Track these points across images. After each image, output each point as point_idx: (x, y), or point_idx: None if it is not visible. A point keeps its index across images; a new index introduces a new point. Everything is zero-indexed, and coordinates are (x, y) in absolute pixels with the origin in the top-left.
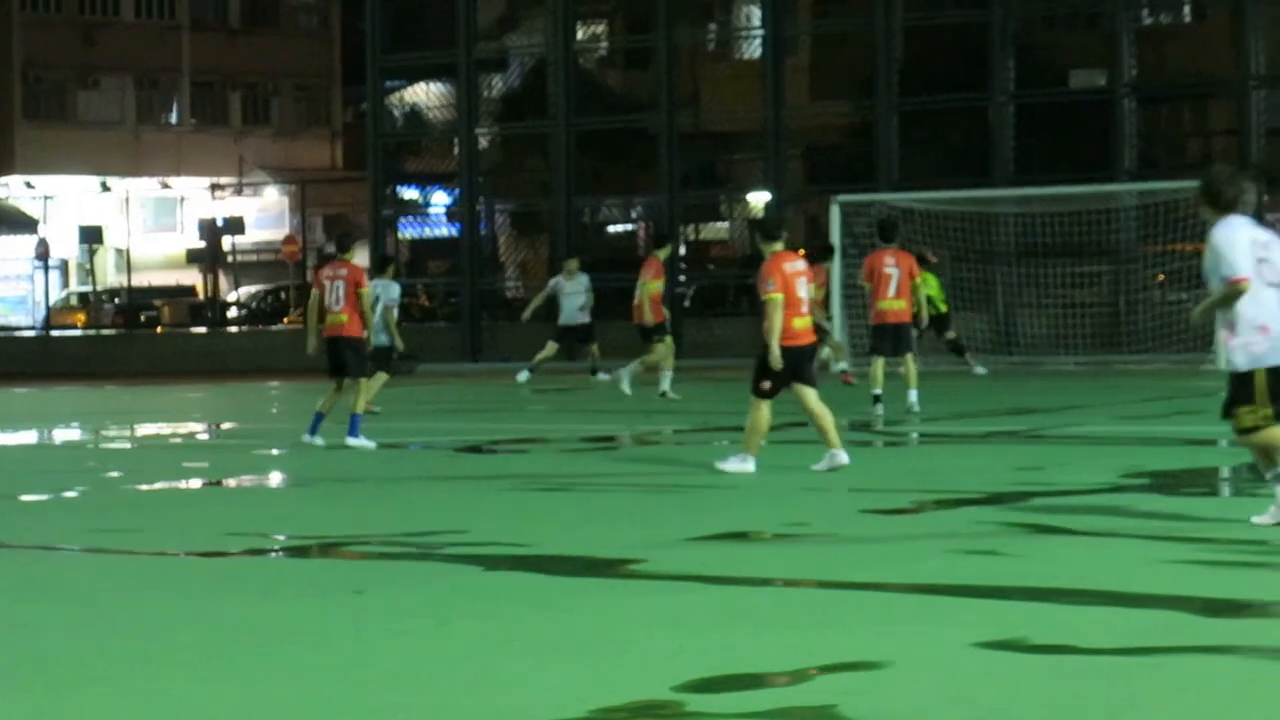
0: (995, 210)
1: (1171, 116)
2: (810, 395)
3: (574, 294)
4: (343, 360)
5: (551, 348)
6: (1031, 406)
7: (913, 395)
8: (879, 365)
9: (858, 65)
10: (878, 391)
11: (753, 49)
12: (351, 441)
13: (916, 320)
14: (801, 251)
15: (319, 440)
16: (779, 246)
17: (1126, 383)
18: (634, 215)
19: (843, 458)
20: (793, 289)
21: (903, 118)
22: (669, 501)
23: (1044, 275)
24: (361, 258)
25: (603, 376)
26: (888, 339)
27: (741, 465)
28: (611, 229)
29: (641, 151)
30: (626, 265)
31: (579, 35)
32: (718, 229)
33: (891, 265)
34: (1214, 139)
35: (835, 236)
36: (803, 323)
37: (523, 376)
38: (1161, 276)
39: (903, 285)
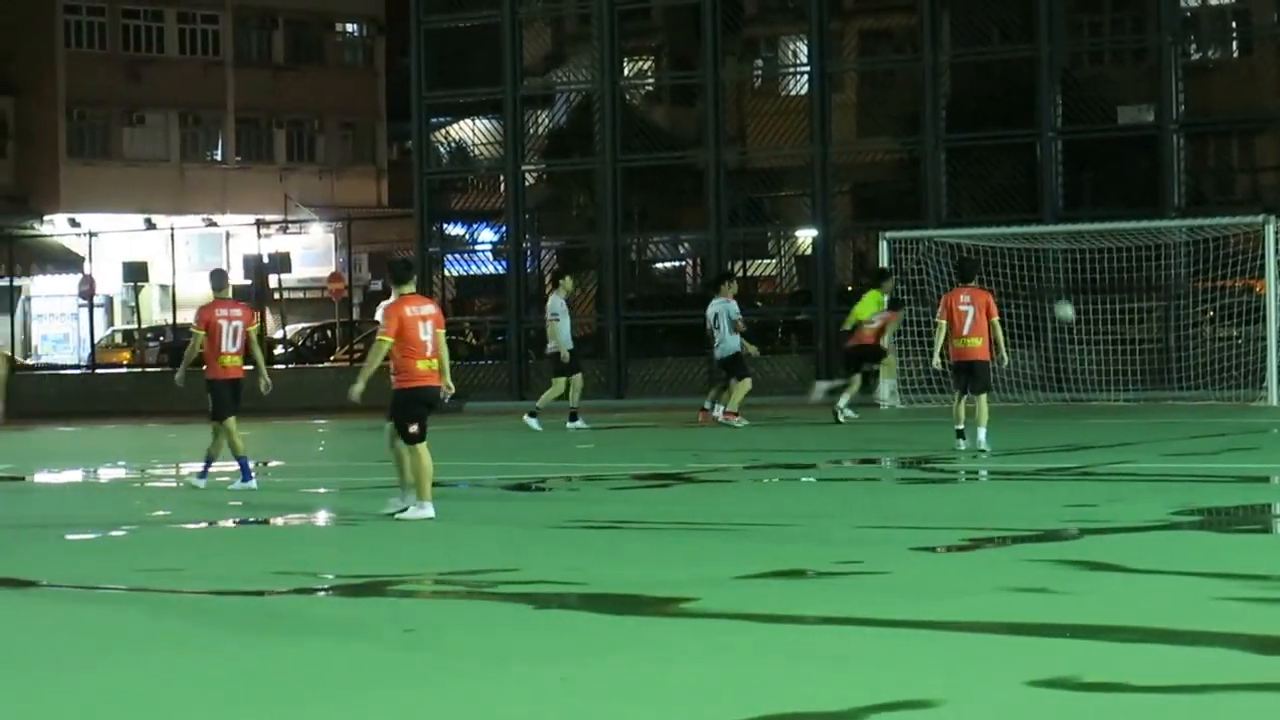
0: (1043, 246)
1: (1220, 152)
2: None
3: (569, 316)
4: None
5: (560, 384)
6: (1082, 443)
7: (982, 434)
8: (960, 402)
9: (905, 101)
10: (960, 428)
11: (800, 85)
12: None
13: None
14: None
15: (252, 484)
16: (407, 289)
17: (1177, 419)
18: (681, 251)
19: (428, 511)
20: (413, 332)
21: (950, 153)
22: (719, 539)
23: (1093, 311)
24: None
25: (574, 426)
26: (964, 376)
27: (420, 512)
28: (659, 266)
29: (688, 188)
30: (673, 302)
31: (625, 71)
32: (765, 265)
33: (967, 303)
34: (1262, 174)
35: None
36: (427, 365)
37: (535, 423)
38: (1211, 312)
39: (978, 323)
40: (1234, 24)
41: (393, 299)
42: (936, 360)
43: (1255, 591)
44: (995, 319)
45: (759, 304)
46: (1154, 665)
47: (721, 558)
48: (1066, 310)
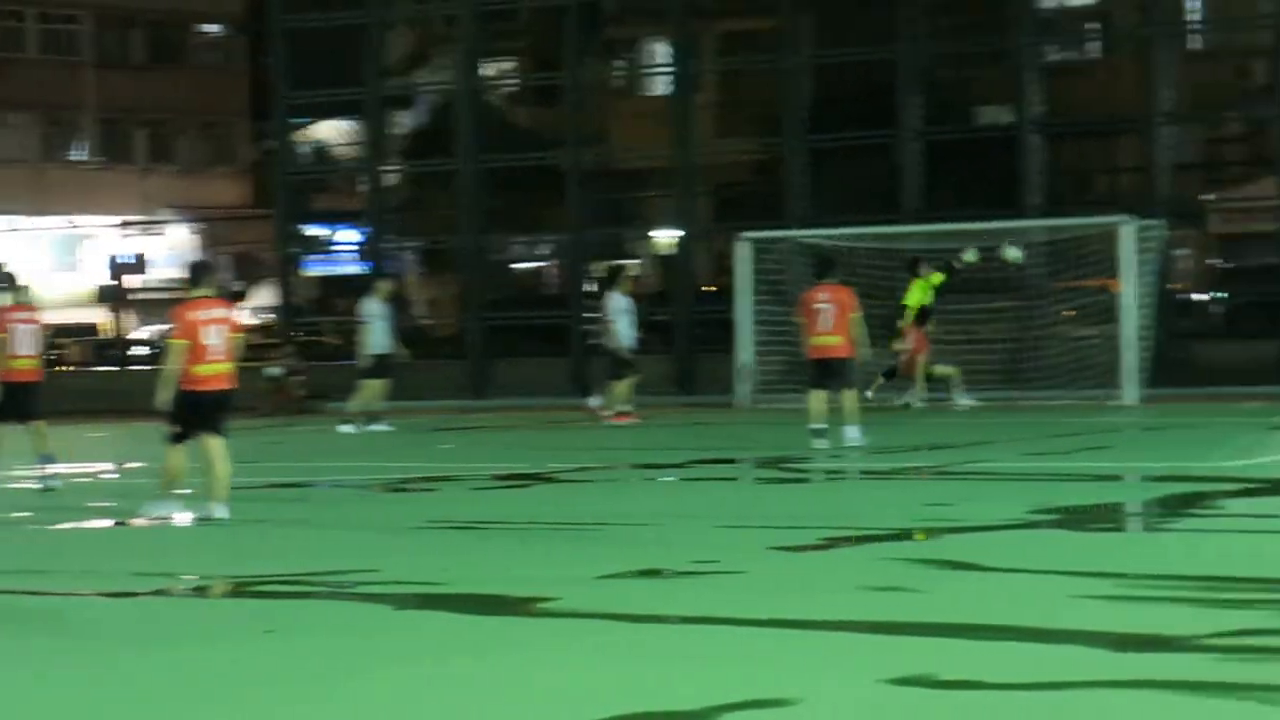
0: (903, 246)
1: (1079, 153)
2: (214, 445)
3: (386, 319)
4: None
5: (373, 387)
6: (939, 442)
7: (853, 431)
8: (816, 399)
9: (766, 102)
10: (816, 426)
11: (660, 86)
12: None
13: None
14: None
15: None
16: (201, 292)
17: (1033, 419)
18: (542, 253)
19: (221, 511)
20: (199, 336)
21: (811, 154)
22: (580, 539)
23: (952, 311)
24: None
25: (373, 428)
26: (822, 374)
27: (164, 510)
28: (519, 266)
29: (549, 189)
30: (533, 302)
31: (487, 72)
32: (609, 265)
33: (825, 301)
34: (1121, 175)
35: (742, 273)
36: (210, 369)
37: (379, 427)
38: (1071, 312)
39: (837, 320)
40: (1093, 26)
41: (185, 302)
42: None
43: (1111, 589)
44: (856, 315)
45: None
46: (1011, 663)
47: (582, 558)
48: (1014, 252)
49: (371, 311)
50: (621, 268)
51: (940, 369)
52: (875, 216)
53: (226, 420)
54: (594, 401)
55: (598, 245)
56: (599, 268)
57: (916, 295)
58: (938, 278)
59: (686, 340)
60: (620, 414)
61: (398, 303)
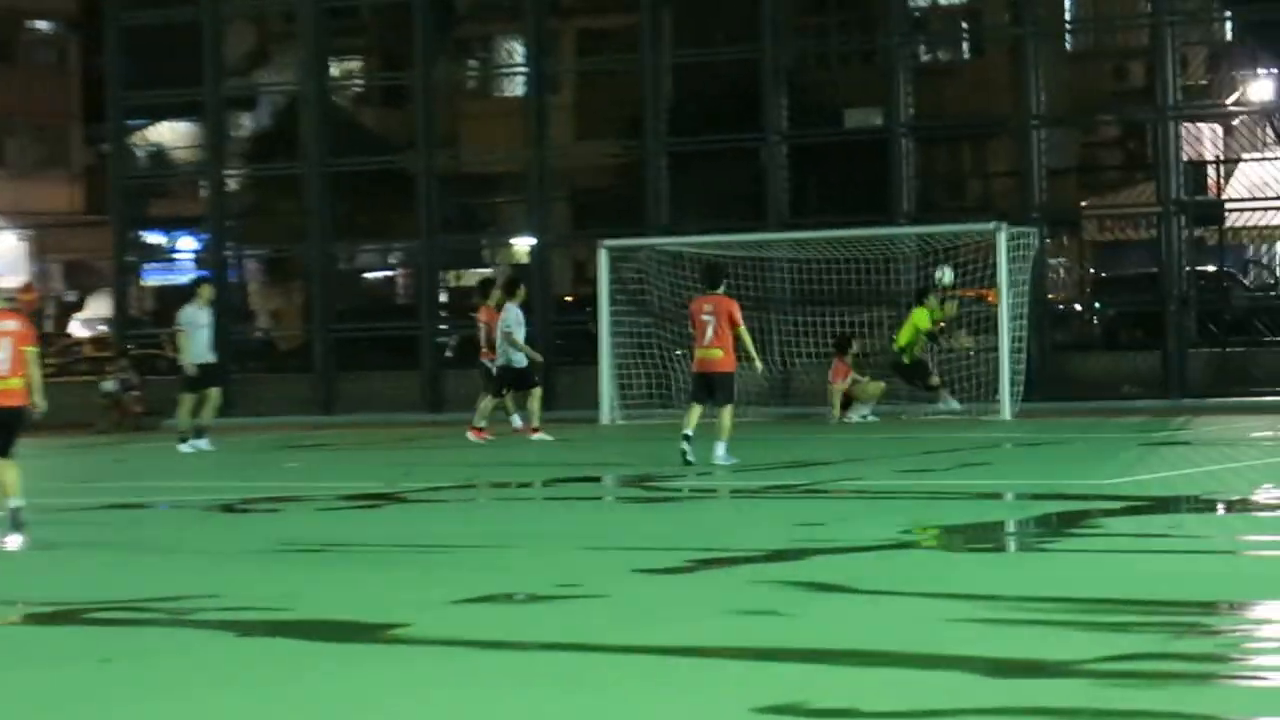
0: (770, 255)
1: (951, 157)
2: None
3: (206, 327)
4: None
5: (193, 400)
6: (810, 459)
7: (720, 449)
8: (692, 412)
9: (625, 104)
10: (685, 432)
11: (516, 86)
12: None
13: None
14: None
15: None
16: None
17: (908, 434)
18: (392, 261)
19: (13, 543)
20: None
21: (672, 158)
22: (433, 561)
23: (822, 323)
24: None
25: (197, 444)
26: (701, 387)
27: None
28: (369, 275)
29: (399, 194)
30: (383, 313)
31: (332, 72)
32: (480, 275)
33: (709, 312)
34: (995, 180)
35: (603, 282)
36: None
37: (200, 444)
38: (941, 325)
39: (720, 332)
40: (965, 25)
41: None
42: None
43: (988, 612)
44: (741, 327)
45: (472, 315)
46: (885, 689)
47: (436, 581)
48: (948, 274)
49: (191, 319)
50: (516, 277)
51: (862, 390)
52: (740, 223)
53: (14, 441)
54: (517, 421)
55: (450, 253)
56: (461, 276)
57: (924, 320)
58: (950, 308)
59: (546, 353)
60: (478, 429)
61: (241, 315)
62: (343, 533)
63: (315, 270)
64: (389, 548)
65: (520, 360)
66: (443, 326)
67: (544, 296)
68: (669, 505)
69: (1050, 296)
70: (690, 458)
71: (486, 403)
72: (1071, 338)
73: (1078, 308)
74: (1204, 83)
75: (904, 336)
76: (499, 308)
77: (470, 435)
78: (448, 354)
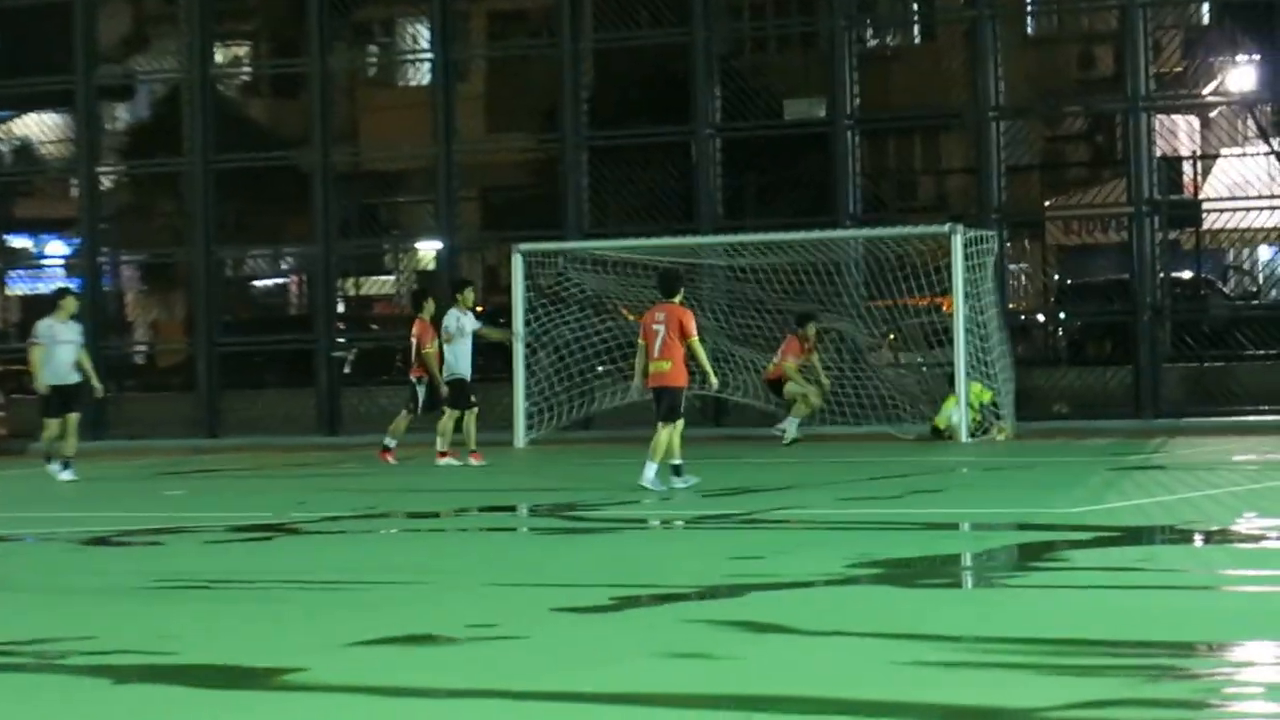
0: (702, 261)
1: (901, 152)
2: None
3: (69, 343)
4: None
5: (54, 426)
6: (746, 486)
7: (649, 470)
8: (664, 432)
9: (541, 93)
10: (673, 463)
11: (420, 75)
12: None
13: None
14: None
15: None
16: None
17: (853, 458)
18: (285, 267)
19: None
20: None
21: (593, 154)
22: (331, 599)
23: (760, 335)
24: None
25: (55, 469)
26: (657, 403)
27: None
28: (259, 284)
29: (292, 194)
30: (275, 325)
31: (218, 58)
32: (382, 283)
33: (659, 322)
34: (950, 178)
35: (518, 290)
36: None
37: (64, 475)
38: (892, 336)
39: (668, 344)
40: (916, 7)
41: None
42: (636, 383)
43: (943, 654)
44: (693, 339)
45: (374, 326)
46: None
47: (333, 621)
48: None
49: (48, 334)
50: (465, 280)
51: (802, 400)
52: (668, 225)
53: None
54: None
55: (349, 259)
56: (361, 284)
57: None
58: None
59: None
60: (444, 452)
61: (117, 327)
62: (230, 567)
63: (199, 278)
64: (282, 584)
65: (463, 371)
66: (341, 340)
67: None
68: (592, 536)
69: (1011, 306)
70: (679, 483)
71: (444, 422)
72: (1034, 352)
73: (1040, 318)
74: (1179, 70)
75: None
76: (435, 320)
77: (446, 461)
78: (346, 370)
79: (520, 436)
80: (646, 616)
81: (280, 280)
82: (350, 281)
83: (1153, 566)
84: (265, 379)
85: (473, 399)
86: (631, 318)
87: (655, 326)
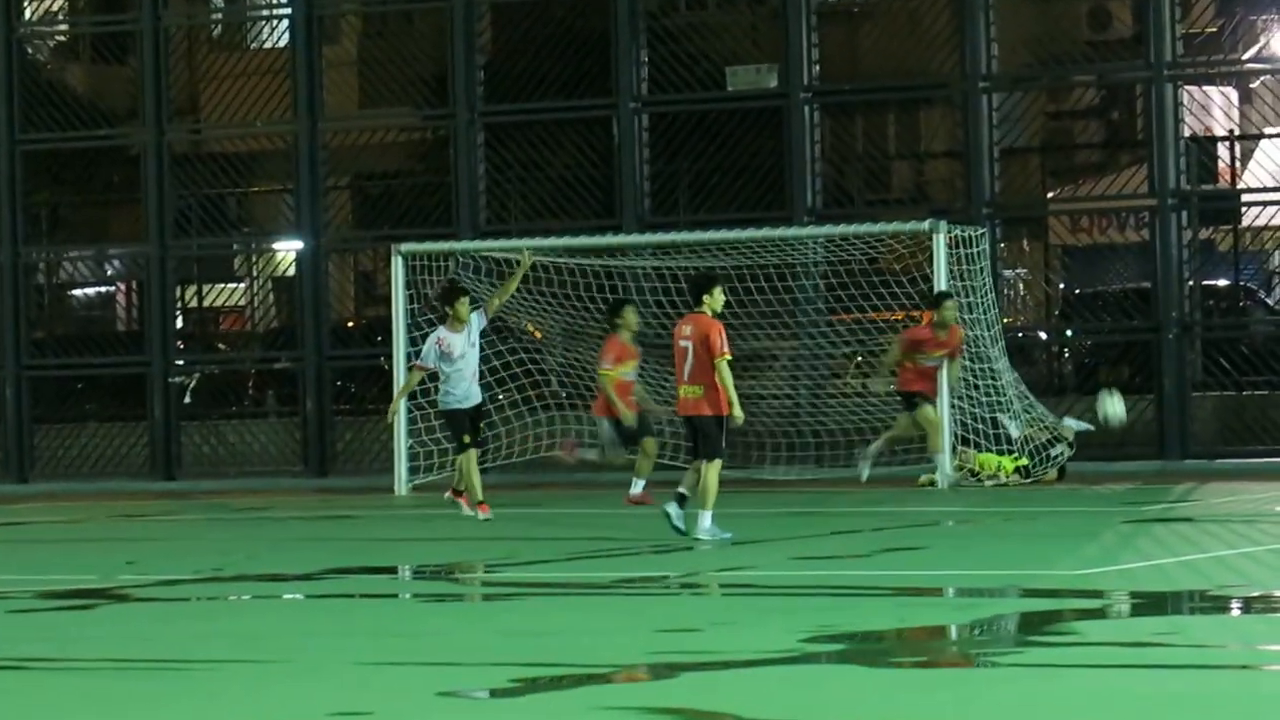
0: (626, 264)
1: (871, 132)
2: None
3: None
4: None
5: None
6: (680, 541)
7: (706, 520)
8: (694, 471)
9: (426, 60)
10: (681, 490)
11: (277, 35)
12: None
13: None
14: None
15: None
16: None
17: (812, 507)
18: (110, 272)
19: None
20: None
21: (491, 132)
22: (168, 684)
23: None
24: None
25: None
26: (690, 436)
27: None
28: (79, 293)
29: (120, 181)
30: (98, 344)
31: (26, 14)
32: (231, 291)
33: (686, 336)
34: (929, 163)
35: (398, 301)
36: None
37: None
38: (858, 358)
39: (698, 363)
40: None
41: None
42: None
43: None
44: (720, 358)
45: (221, 346)
46: None
47: (169, 708)
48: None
49: None
50: (457, 286)
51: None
52: (584, 221)
53: None
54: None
55: (190, 261)
56: (205, 292)
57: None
58: None
59: (317, 399)
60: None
61: None
62: (42, 643)
63: (3, 285)
64: (103, 664)
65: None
66: (180, 362)
67: (317, 321)
68: (489, 605)
69: (1005, 321)
70: (678, 524)
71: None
72: (1034, 375)
73: (1042, 335)
74: (1212, 31)
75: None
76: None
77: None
78: (186, 399)
79: (402, 482)
80: (553, 702)
81: (104, 288)
82: (191, 290)
83: (1179, 641)
84: (86, 410)
85: (465, 438)
86: (539, 335)
87: (682, 343)
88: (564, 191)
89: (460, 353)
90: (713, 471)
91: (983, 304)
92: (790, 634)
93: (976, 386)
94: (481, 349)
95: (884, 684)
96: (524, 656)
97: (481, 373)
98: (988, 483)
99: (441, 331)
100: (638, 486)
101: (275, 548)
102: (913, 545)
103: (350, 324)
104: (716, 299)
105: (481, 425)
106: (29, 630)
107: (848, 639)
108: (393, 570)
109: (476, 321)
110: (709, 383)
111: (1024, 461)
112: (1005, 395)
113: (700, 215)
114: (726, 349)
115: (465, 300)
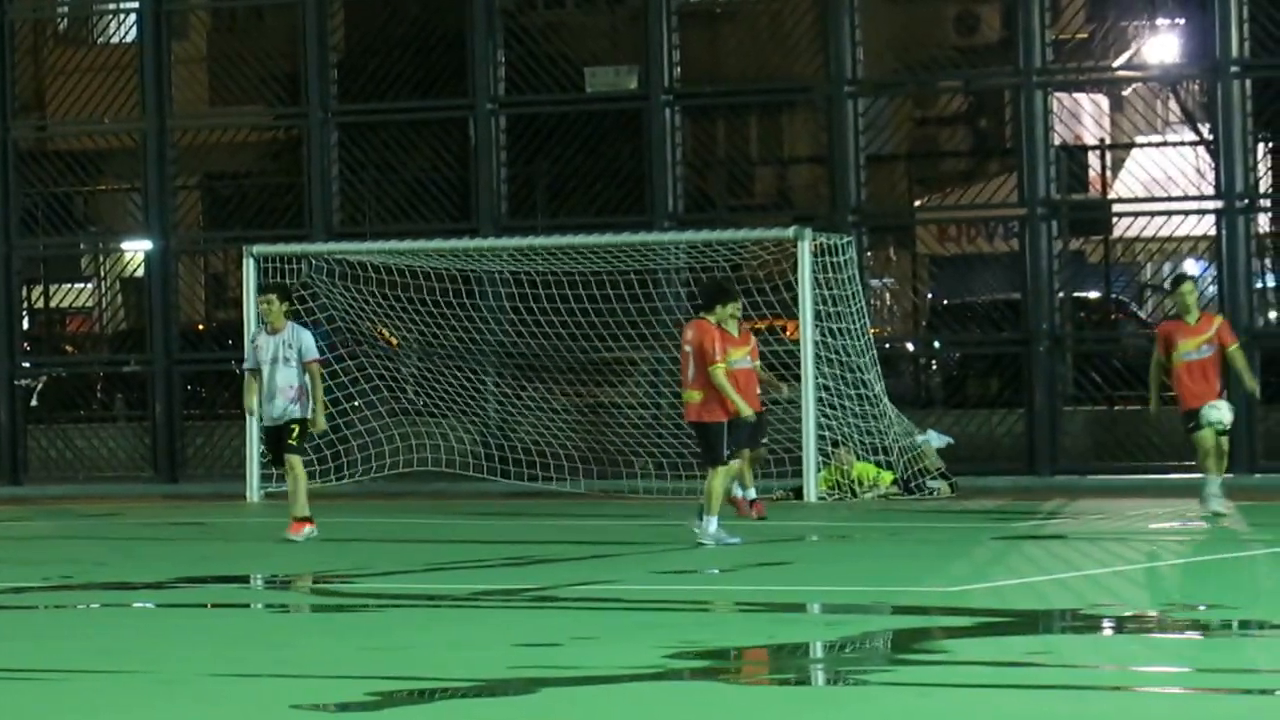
0: (481, 268)
1: (733, 136)
2: None
3: None
4: None
5: None
6: (534, 554)
7: (710, 524)
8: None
9: (279, 57)
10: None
11: (125, 29)
12: None
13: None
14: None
15: None
16: None
17: (674, 520)
18: None
19: None
20: None
21: (345, 132)
22: (18, 694)
23: (556, 365)
24: None
25: None
26: (699, 443)
27: None
28: None
29: None
30: None
31: None
32: (79, 293)
33: (688, 341)
34: (793, 168)
35: (249, 300)
36: None
37: None
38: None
39: (697, 370)
40: None
41: None
42: None
43: None
44: (712, 366)
45: (69, 349)
46: None
47: None
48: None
49: None
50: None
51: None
52: (440, 225)
53: None
54: None
55: (34, 262)
56: (53, 293)
57: None
58: None
59: (167, 403)
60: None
61: None
62: None
63: None
64: None
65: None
66: (26, 364)
67: (166, 323)
68: (345, 616)
69: (874, 331)
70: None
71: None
72: (900, 389)
73: (909, 346)
74: (1083, 37)
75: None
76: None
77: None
78: (33, 402)
79: (254, 489)
80: (413, 717)
81: None
82: (38, 290)
83: (1050, 661)
84: None
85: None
86: (394, 342)
87: (685, 347)
88: (419, 193)
89: (271, 357)
90: (717, 478)
91: (851, 313)
92: (652, 649)
93: (850, 396)
94: (333, 359)
95: (749, 701)
96: (380, 670)
97: (331, 384)
98: (866, 495)
99: (259, 331)
100: (750, 493)
101: (124, 555)
102: (777, 560)
103: (200, 327)
104: (727, 310)
105: (291, 439)
106: None
107: (708, 654)
108: (244, 580)
109: (305, 340)
110: (709, 388)
111: (890, 477)
112: (880, 405)
113: (559, 219)
114: (719, 356)
115: (275, 299)
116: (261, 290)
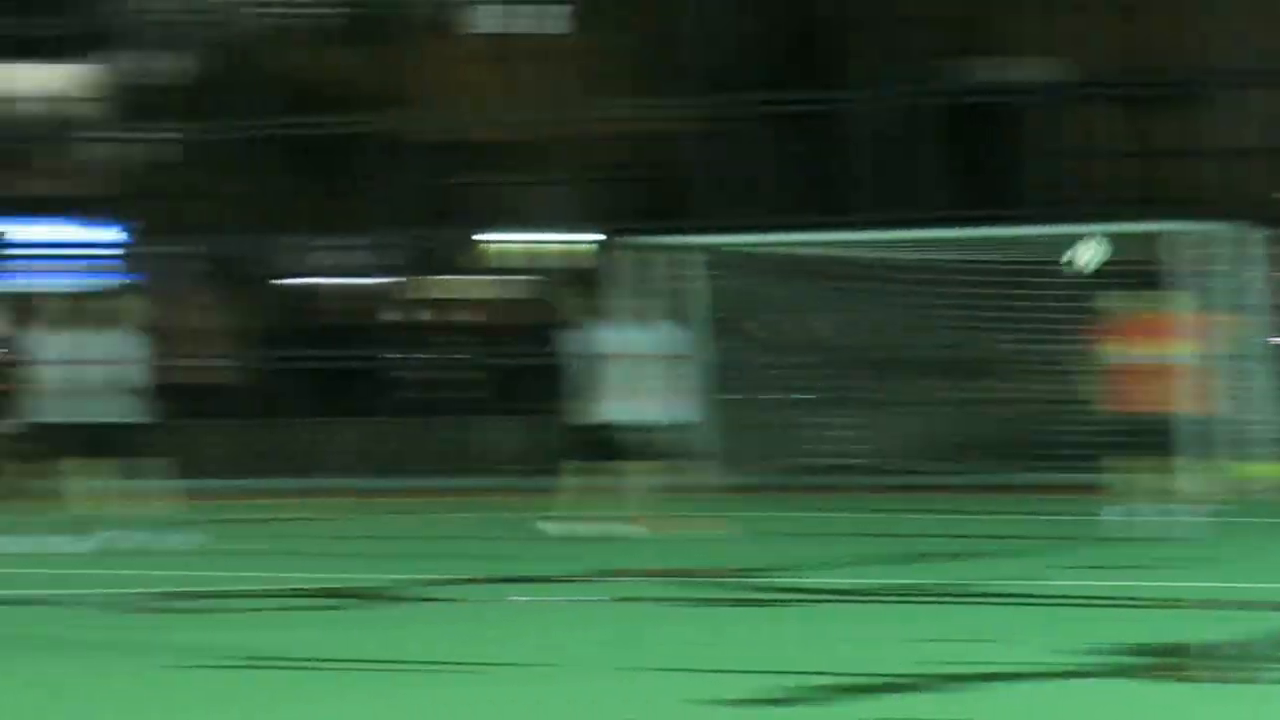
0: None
1: (1109, 124)
2: None
3: (75, 356)
4: None
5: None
6: (927, 549)
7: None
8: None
9: (654, 55)
10: None
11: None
12: None
13: None
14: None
15: None
16: None
17: (1072, 513)
18: (336, 263)
19: None
20: None
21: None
22: None
23: (938, 360)
24: None
25: None
26: None
27: None
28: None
29: (345, 168)
30: (325, 338)
31: None
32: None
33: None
34: (1161, 162)
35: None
36: None
37: None
38: None
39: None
40: None
41: None
42: None
43: None
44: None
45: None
46: None
47: None
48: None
49: (38, 346)
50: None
51: None
52: (809, 218)
53: None
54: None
55: (417, 250)
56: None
57: None
58: None
59: None
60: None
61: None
62: None
63: (244, 273)
64: None
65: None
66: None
67: (546, 316)
68: (750, 611)
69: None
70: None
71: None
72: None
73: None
74: None
75: None
76: None
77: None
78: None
79: None
80: (816, 714)
81: (362, 280)
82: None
83: None
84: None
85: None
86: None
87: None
88: (799, 184)
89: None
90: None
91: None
92: (1068, 647)
93: None
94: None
95: (1188, 698)
96: (779, 664)
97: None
98: None
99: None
100: None
101: (535, 549)
102: (1196, 556)
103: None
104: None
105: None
106: None
107: (1136, 651)
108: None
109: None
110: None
111: None
112: None
113: (959, 210)
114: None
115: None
116: None
